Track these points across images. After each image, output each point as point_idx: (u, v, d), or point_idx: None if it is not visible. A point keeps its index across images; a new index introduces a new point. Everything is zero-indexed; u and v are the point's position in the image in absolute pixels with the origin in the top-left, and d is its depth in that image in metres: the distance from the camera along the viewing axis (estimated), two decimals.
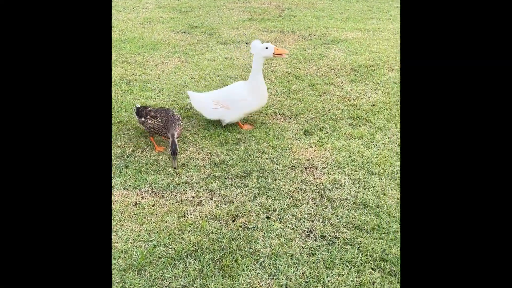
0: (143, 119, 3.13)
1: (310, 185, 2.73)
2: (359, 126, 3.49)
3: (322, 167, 2.92)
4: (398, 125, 3.46)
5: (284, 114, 3.70)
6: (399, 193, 2.62)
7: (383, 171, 2.85)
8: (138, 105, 3.33)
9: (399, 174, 2.81)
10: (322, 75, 4.53)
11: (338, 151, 3.10)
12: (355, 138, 3.29)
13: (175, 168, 2.86)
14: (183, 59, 5.12)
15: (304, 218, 2.44)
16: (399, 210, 2.47)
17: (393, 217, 2.42)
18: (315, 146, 3.20)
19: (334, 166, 2.93)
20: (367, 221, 2.40)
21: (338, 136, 3.33)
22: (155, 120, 3.03)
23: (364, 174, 2.83)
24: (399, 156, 3.01)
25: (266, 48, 3.18)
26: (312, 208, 2.52)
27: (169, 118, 3.01)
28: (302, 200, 2.59)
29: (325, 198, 2.60)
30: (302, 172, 2.87)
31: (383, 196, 2.60)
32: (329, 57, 5.04)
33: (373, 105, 3.82)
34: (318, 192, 2.66)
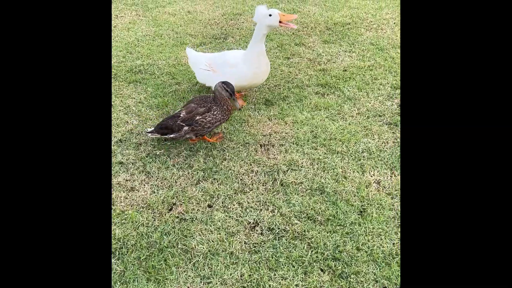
0: (187, 128, 2.40)
1: (264, 166, 2.42)
2: (327, 95, 3.13)
3: (280, 145, 2.59)
4: (370, 94, 3.12)
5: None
6: (361, 176, 2.34)
7: (346, 150, 2.54)
8: (149, 129, 2.51)
9: (364, 154, 2.51)
10: (293, 34, 4.07)
11: (300, 125, 2.77)
12: (320, 110, 2.94)
13: (240, 109, 2.58)
14: (140, 13, 4.55)
15: (251, 207, 2.15)
16: (359, 196, 2.20)
17: (352, 205, 2.15)
18: (275, 119, 2.85)
19: (293, 143, 2.61)
20: (322, 211, 2.12)
21: (302, 107, 2.97)
22: (210, 112, 2.40)
23: (325, 153, 2.52)
24: (366, 132, 2.70)
25: (270, 15, 2.62)
26: (262, 194, 2.23)
27: (200, 99, 2.48)
28: (251, 185, 2.29)
29: (278, 182, 2.30)
30: (256, 151, 2.55)
31: (343, 180, 2.31)
32: (303, 13, 4.54)
33: (345, 70, 3.44)
34: (271, 175, 2.35)
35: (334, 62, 3.57)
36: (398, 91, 3.15)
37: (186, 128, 2.39)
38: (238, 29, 4.16)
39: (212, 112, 2.40)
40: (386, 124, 2.79)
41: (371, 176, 2.35)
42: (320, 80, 3.30)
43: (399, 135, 2.67)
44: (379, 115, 2.88)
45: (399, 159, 2.46)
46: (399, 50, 3.73)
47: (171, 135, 2.41)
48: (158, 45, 3.81)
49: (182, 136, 2.44)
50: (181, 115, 2.41)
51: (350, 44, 3.86)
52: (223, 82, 2.40)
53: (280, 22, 2.66)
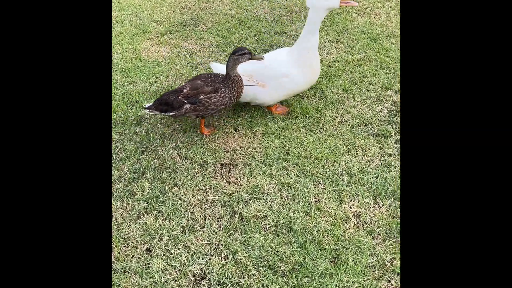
0: (188, 106, 2.16)
1: (221, 193, 2.01)
2: (306, 97, 2.68)
3: (245, 164, 2.18)
4: (357, 96, 2.67)
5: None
6: (338, 207, 1.93)
7: (322, 171, 2.12)
8: (148, 104, 2.26)
9: (344, 176, 2.09)
10: (274, 19, 3.56)
11: (271, 138, 2.34)
12: (297, 117, 2.50)
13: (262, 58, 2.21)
14: None
15: (200, 252, 1.75)
16: (334, 236, 1.80)
17: (323, 249, 1.76)
18: (243, 129, 2.41)
19: (261, 161, 2.19)
20: (286, 256, 1.73)
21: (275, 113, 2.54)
22: (217, 93, 2.16)
23: (297, 176, 2.10)
24: (349, 147, 2.27)
25: None
26: (216, 233, 1.83)
27: (208, 76, 2.25)
28: (204, 220, 1.89)
29: (237, 216, 1.90)
30: (215, 172, 2.13)
31: (315, 212, 1.91)
32: None
33: (330, 66, 2.97)
34: (229, 206, 1.95)
35: None
36: (390, 92, 2.70)
37: (187, 106, 2.16)
38: (211, 14, 3.65)
39: (219, 94, 2.16)
40: (373, 136, 2.36)
41: (350, 208, 1.94)
42: None
43: (387, 150, 2.25)
44: (365, 124, 2.45)
45: (385, 184, 2.05)
46: (393, 40, 3.25)
47: (171, 113, 2.18)
48: (116, 34, 3.31)
49: (182, 115, 2.21)
50: (184, 90, 2.17)
51: (338, 33, 3.37)
52: (235, 52, 2.11)
53: (340, 2, 2.15)
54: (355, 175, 2.10)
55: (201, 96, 2.15)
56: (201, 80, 2.20)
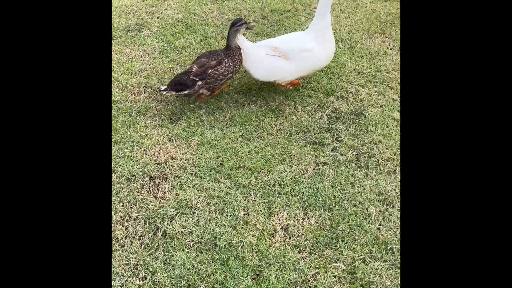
0: (200, 82, 2.43)
1: (146, 210, 1.93)
2: (248, 104, 2.63)
3: (175, 177, 2.10)
4: (298, 103, 2.63)
5: (150, 86, 2.75)
6: (266, 220, 1.89)
7: (254, 183, 2.07)
8: (163, 87, 2.53)
9: (276, 187, 2.05)
10: (222, 23, 3.50)
11: (206, 148, 2.27)
12: (235, 125, 2.45)
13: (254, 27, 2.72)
14: None
15: (117, 273, 1.67)
16: (258, 251, 1.76)
17: (246, 265, 1.70)
18: (177, 139, 2.34)
19: (192, 174, 2.12)
20: (207, 275, 1.67)
21: (214, 121, 2.47)
22: (222, 64, 2.45)
23: (229, 188, 2.05)
24: (284, 156, 2.23)
25: None
26: (136, 252, 1.75)
27: (209, 53, 2.52)
28: (124, 239, 1.80)
29: (160, 233, 1.83)
30: (142, 187, 2.05)
31: (243, 226, 1.86)
32: None
33: None
34: (153, 223, 1.87)
35: None
36: (331, 98, 2.68)
37: (199, 82, 2.42)
38: (158, 18, 3.55)
39: (224, 64, 2.44)
40: (310, 144, 2.33)
41: (279, 220, 1.90)
42: (242, 86, 2.79)
43: (322, 159, 2.23)
44: (304, 132, 2.42)
45: (317, 194, 2.02)
46: (340, 45, 3.24)
47: (185, 91, 2.44)
48: None
49: (196, 91, 2.47)
50: (193, 70, 2.42)
51: None
52: (233, 25, 2.42)
53: None
54: (287, 186, 2.06)
55: (209, 71, 2.42)
56: (204, 58, 2.47)
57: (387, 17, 3.66)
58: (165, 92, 2.46)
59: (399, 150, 2.29)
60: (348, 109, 2.61)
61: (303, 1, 3.87)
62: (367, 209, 1.96)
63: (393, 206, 1.98)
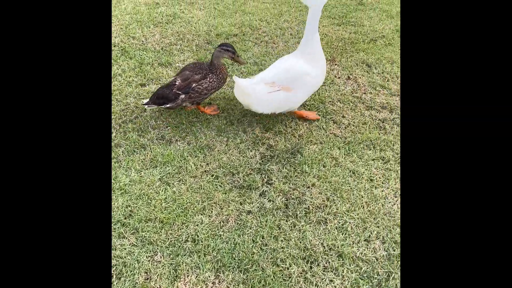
0: (183, 96, 2.39)
1: None
2: (176, 141, 2.40)
3: None
4: (231, 141, 2.42)
5: None
6: (173, 285, 1.63)
7: (164, 238, 1.82)
8: (145, 100, 2.49)
9: (187, 244, 1.80)
10: (162, 48, 3.28)
11: (115, 196, 2.01)
12: (156, 166, 2.20)
13: (245, 63, 2.68)
14: None
15: None
16: None
17: None
18: None
19: None
20: None
21: (133, 160, 2.22)
22: (207, 79, 2.42)
23: (134, 245, 1.78)
24: (204, 205, 1.99)
25: None
26: None
27: (194, 66, 2.48)
28: None
29: None
30: None
31: None
32: (184, 19, 3.74)
33: (210, 103, 2.71)
34: None
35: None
36: (268, 134, 2.48)
37: (182, 96, 2.39)
38: None
39: (208, 79, 2.43)
40: (237, 188, 2.10)
41: (184, 286, 1.65)
42: (174, 118, 2.56)
43: (247, 206, 2.00)
44: (232, 173, 2.19)
45: (234, 250, 1.78)
46: None
47: (168, 105, 2.40)
48: None
49: (179, 105, 2.43)
50: (177, 83, 2.39)
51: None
52: (221, 46, 2.41)
53: None
54: (202, 241, 1.82)
55: (193, 85, 2.39)
56: (189, 71, 2.43)
57: (339, 43, 3.51)
58: (146, 106, 2.40)
59: (334, 195, 2.09)
60: (284, 146, 2.40)
61: (253, 25, 3.69)
62: (288, 268, 1.73)
63: (318, 264, 1.76)
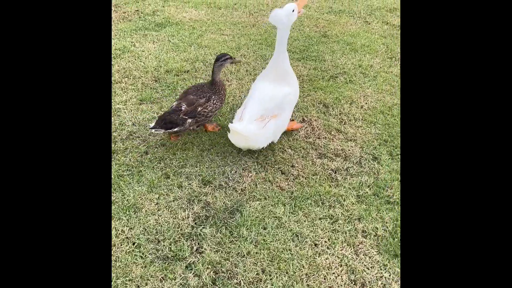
0: (190, 120, 2.42)
1: None
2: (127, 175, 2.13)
3: None
4: (163, 198, 2.16)
5: None
6: None
7: None
8: (152, 124, 2.41)
9: None
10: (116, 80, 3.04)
11: None
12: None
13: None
14: None
15: None
16: None
17: None
18: None
19: None
20: None
21: None
22: (210, 101, 2.47)
23: None
24: (116, 283, 1.72)
25: (293, 10, 2.30)
26: None
27: (196, 89, 2.52)
28: None
29: None
30: None
31: None
32: (134, 53, 3.52)
33: (146, 153, 2.47)
34: None
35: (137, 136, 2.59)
36: (207, 188, 2.23)
37: (189, 120, 2.42)
38: None
39: (212, 102, 2.47)
40: (160, 260, 1.84)
41: None
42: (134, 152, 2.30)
43: (167, 284, 1.73)
44: (158, 240, 1.93)
45: None
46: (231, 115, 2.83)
47: (175, 129, 2.41)
48: None
49: (186, 129, 2.46)
50: (182, 108, 2.41)
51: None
52: (217, 60, 2.46)
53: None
54: None
55: (199, 109, 2.42)
56: (193, 95, 2.46)
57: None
58: (154, 130, 2.38)
59: (270, 265, 1.85)
60: (223, 203, 2.16)
61: (207, 59, 3.49)
62: None
63: None
